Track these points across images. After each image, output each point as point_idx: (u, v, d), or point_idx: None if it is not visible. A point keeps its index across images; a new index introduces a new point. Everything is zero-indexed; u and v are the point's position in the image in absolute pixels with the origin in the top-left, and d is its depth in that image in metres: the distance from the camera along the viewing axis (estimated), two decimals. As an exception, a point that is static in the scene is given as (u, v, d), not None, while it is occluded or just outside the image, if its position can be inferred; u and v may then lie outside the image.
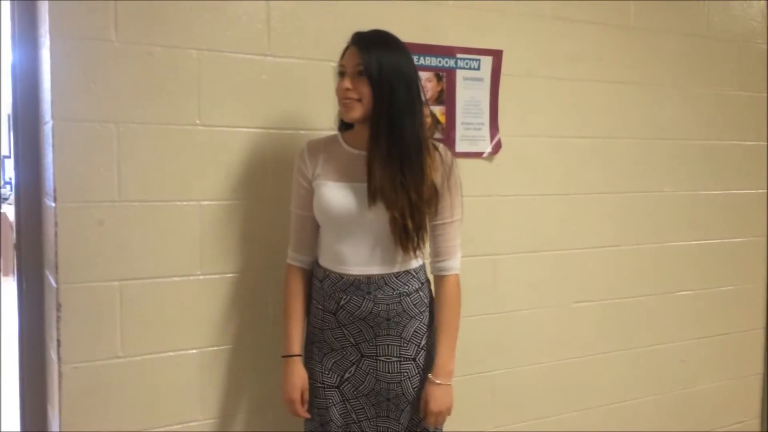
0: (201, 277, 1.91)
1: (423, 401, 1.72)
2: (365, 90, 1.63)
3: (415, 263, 1.76)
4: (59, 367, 1.76)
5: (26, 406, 2.18)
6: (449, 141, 2.24)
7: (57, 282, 1.75)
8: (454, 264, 1.77)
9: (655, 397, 2.71)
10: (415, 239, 1.67)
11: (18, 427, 2.21)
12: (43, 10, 1.80)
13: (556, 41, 2.40)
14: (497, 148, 2.32)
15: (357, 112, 1.65)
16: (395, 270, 1.72)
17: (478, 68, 2.28)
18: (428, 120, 1.90)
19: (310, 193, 1.74)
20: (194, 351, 1.91)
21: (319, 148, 1.76)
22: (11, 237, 7.15)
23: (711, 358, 2.83)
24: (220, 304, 1.93)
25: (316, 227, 1.77)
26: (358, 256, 1.70)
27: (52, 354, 1.86)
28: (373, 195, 1.64)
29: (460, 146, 2.27)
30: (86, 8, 1.73)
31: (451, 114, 2.25)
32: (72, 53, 1.73)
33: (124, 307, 1.81)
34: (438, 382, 1.71)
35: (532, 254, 2.42)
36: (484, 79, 2.30)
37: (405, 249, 1.67)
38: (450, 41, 2.22)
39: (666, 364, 2.72)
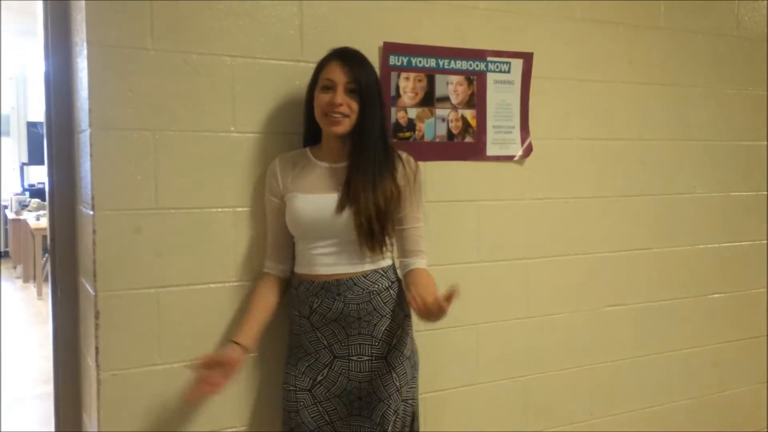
0: (236, 283, 1.91)
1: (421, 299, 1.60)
2: (355, 106, 1.73)
3: (383, 263, 1.82)
4: (97, 374, 1.76)
5: (60, 413, 2.19)
6: (480, 145, 2.23)
7: (95, 290, 1.75)
8: (423, 262, 1.83)
9: (688, 401, 2.68)
10: (381, 239, 1.76)
11: (53, 434, 2.22)
12: (79, 19, 1.81)
13: (586, 43, 2.38)
14: (528, 151, 2.31)
15: (344, 127, 1.74)
16: (364, 269, 1.78)
17: (509, 71, 2.27)
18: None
19: (279, 206, 1.83)
20: (230, 358, 1.90)
21: (288, 163, 1.84)
22: (32, 243, 7.24)
23: (744, 361, 2.79)
24: (255, 311, 1.93)
25: (286, 237, 1.85)
26: (327, 258, 1.78)
27: (90, 361, 1.87)
28: (342, 203, 1.73)
29: (491, 150, 2.26)
30: (123, 16, 1.74)
31: (481, 117, 2.24)
32: (109, 61, 1.74)
33: (161, 314, 1.82)
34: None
35: (564, 258, 2.40)
36: (515, 81, 2.28)
37: (371, 249, 1.75)
38: (480, 44, 2.21)
39: (699, 368, 2.69)
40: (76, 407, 2.16)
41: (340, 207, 1.74)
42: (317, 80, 1.78)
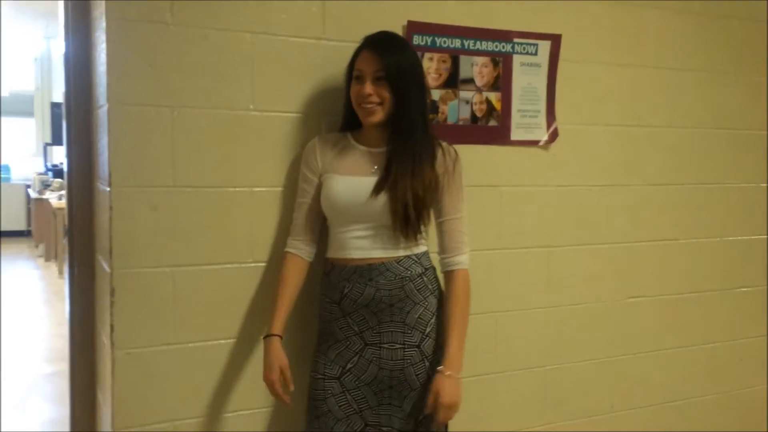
0: (252, 264, 1.88)
1: (433, 394, 1.69)
2: (386, 94, 1.70)
3: (417, 249, 1.78)
4: (112, 352, 1.75)
5: (76, 391, 2.19)
6: (504, 129, 2.18)
7: (111, 267, 1.74)
8: (462, 259, 1.79)
9: (711, 397, 2.61)
10: (417, 226, 1.72)
11: (68, 411, 2.23)
12: (99, -7, 1.79)
13: (616, 26, 2.31)
14: (554, 136, 2.25)
15: (378, 117, 1.71)
16: (396, 255, 1.75)
17: (536, 53, 2.21)
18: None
19: (314, 184, 1.80)
20: (243, 340, 1.88)
21: (329, 143, 1.82)
22: (53, 223, 7.32)
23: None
24: (270, 293, 1.90)
25: (317, 217, 1.81)
26: (360, 242, 1.74)
27: (104, 339, 1.86)
28: (379, 188, 1.70)
29: (516, 134, 2.20)
30: (142, -10, 1.71)
31: (507, 101, 2.18)
32: (128, 36, 1.71)
33: (176, 293, 1.80)
34: (448, 374, 1.70)
35: (587, 247, 2.34)
36: (542, 64, 2.22)
37: (405, 235, 1.72)
38: (507, 25, 2.15)
39: (724, 363, 2.62)
40: (92, 385, 2.16)
41: (377, 191, 1.70)
42: (352, 70, 1.75)
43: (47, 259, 8.02)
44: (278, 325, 1.75)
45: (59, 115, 9.66)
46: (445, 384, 1.70)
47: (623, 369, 2.44)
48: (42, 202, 8.26)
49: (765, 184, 2.64)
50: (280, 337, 1.74)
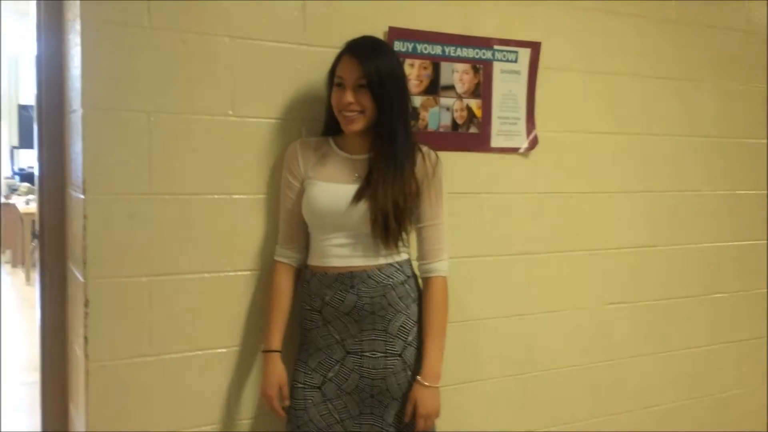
0: (231, 273, 1.84)
1: (411, 404, 1.71)
2: (368, 102, 1.66)
3: (399, 257, 1.76)
4: (86, 364, 1.70)
5: (47, 403, 2.12)
6: (485, 136, 2.17)
7: (85, 277, 1.69)
8: (440, 266, 1.78)
9: (688, 402, 2.64)
10: (397, 234, 1.70)
11: (39, 426, 2.16)
12: (73, -6, 1.74)
13: (595, 34, 2.32)
14: (533, 143, 2.25)
15: (359, 125, 1.69)
16: (378, 263, 1.72)
17: (516, 61, 2.20)
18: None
19: (298, 190, 1.76)
20: (223, 350, 1.85)
21: (310, 148, 1.79)
22: (20, 228, 7.14)
23: (745, 362, 2.75)
24: (251, 302, 1.87)
25: (302, 223, 1.78)
26: (341, 250, 1.72)
27: (78, 351, 1.80)
28: (359, 195, 1.68)
29: (496, 141, 2.20)
30: (118, -8, 1.67)
31: (487, 108, 2.17)
32: (103, 39, 1.66)
33: (153, 303, 1.75)
34: (426, 384, 1.71)
35: (567, 253, 2.35)
36: (522, 72, 2.22)
37: (386, 244, 1.70)
38: (487, 32, 2.14)
39: (700, 368, 2.65)
40: (63, 397, 2.09)
41: (357, 199, 1.68)
42: (333, 75, 1.72)
43: (14, 266, 7.83)
44: (276, 339, 1.75)
45: (27, 117, 9.45)
46: (424, 394, 1.71)
47: (602, 375, 2.45)
48: (9, 207, 8.05)
49: (740, 192, 2.68)
50: (279, 351, 1.73)
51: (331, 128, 1.79)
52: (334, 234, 1.72)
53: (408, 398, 1.72)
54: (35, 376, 2.18)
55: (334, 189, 1.72)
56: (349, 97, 1.66)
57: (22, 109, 9.58)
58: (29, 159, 9.24)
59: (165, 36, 1.72)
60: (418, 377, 1.72)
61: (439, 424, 1.83)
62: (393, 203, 1.67)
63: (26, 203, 7.19)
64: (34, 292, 4.98)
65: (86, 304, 1.68)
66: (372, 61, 1.66)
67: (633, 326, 2.50)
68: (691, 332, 2.62)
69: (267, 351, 1.76)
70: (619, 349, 2.47)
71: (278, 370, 1.74)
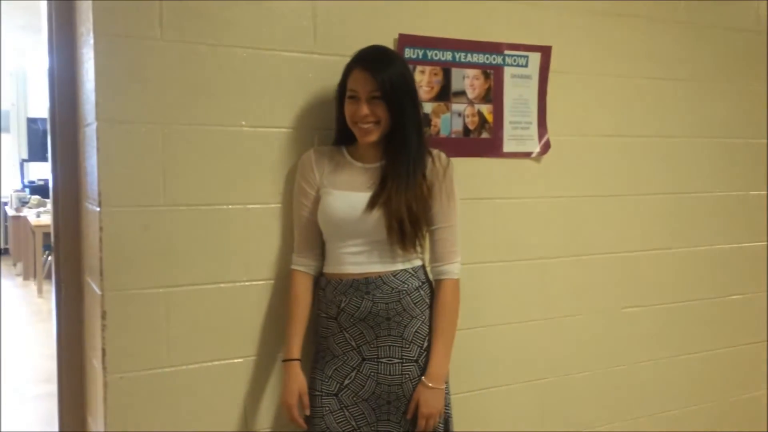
0: (246, 283, 1.84)
1: (413, 403, 1.73)
2: (382, 113, 1.69)
3: (413, 263, 1.78)
4: (104, 376, 1.70)
5: (64, 415, 2.13)
6: (497, 141, 2.17)
7: (101, 289, 1.69)
8: (452, 269, 1.79)
9: (707, 405, 2.62)
10: (413, 238, 1.72)
11: (56, 436, 2.16)
12: (85, 8, 1.75)
13: (605, 37, 2.32)
14: (546, 148, 2.25)
15: (375, 136, 1.71)
16: (393, 269, 1.73)
17: (526, 65, 2.20)
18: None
19: (312, 198, 1.78)
20: (240, 360, 1.85)
21: (325, 156, 1.80)
22: (32, 240, 7.18)
23: (763, 364, 2.73)
24: (267, 311, 1.87)
25: (318, 231, 1.80)
26: (356, 257, 1.73)
27: (95, 363, 1.81)
28: (373, 203, 1.69)
29: (508, 146, 2.19)
30: (130, 5, 1.68)
31: (498, 113, 2.17)
32: (116, 52, 1.67)
33: (169, 314, 1.75)
34: (430, 385, 1.73)
35: (582, 258, 2.34)
36: (532, 76, 2.22)
37: (403, 248, 1.72)
38: (497, 37, 2.14)
39: (718, 371, 2.63)
40: (80, 409, 2.10)
41: (371, 206, 1.69)
42: (345, 86, 1.73)
43: (26, 278, 7.86)
44: (295, 348, 1.75)
45: (36, 130, 9.52)
46: (427, 394, 1.73)
47: (619, 379, 2.43)
48: (19, 220, 8.10)
49: (754, 192, 2.66)
50: (299, 360, 1.74)
51: (343, 138, 1.81)
52: (350, 241, 1.74)
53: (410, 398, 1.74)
54: (47, 388, 2.19)
55: (349, 197, 1.73)
56: (365, 109, 1.68)
57: (32, 122, 9.64)
58: (39, 172, 9.30)
59: (177, 48, 1.73)
60: (423, 378, 1.73)
61: (457, 429, 1.82)
62: (407, 208, 1.69)
63: (37, 216, 7.22)
64: (46, 304, 4.99)
65: (103, 316, 1.69)
66: (384, 73, 1.68)
67: (649, 330, 2.48)
68: (709, 334, 2.60)
69: (287, 360, 1.76)
70: (636, 353, 2.46)
71: (299, 379, 1.74)
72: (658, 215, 2.47)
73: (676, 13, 2.45)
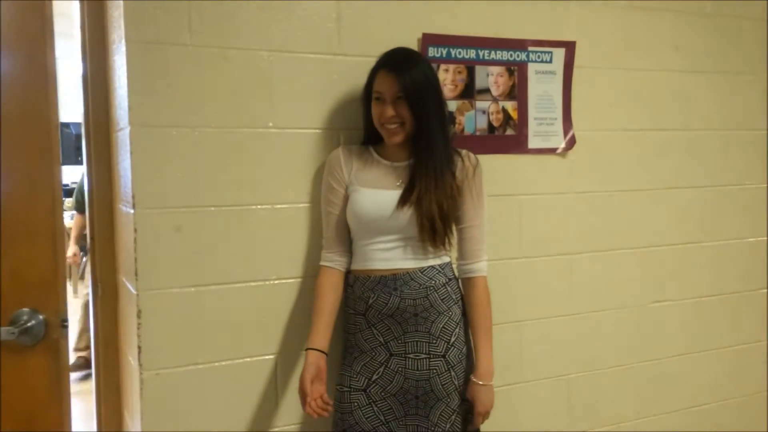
0: (276, 281, 1.88)
1: (469, 403, 1.79)
2: (406, 114, 1.72)
3: (440, 260, 1.80)
4: (140, 373, 1.75)
5: (102, 412, 2.19)
6: (522, 137, 2.18)
7: (136, 288, 1.74)
8: (481, 266, 1.83)
9: (737, 400, 2.59)
10: (443, 236, 1.75)
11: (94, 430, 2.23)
12: (117, 16, 1.80)
13: (630, 31, 2.31)
14: (571, 143, 2.25)
15: (401, 136, 1.75)
16: (421, 265, 1.77)
17: (551, 61, 2.20)
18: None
19: (340, 195, 1.81)
20: (271, 356, 1.89)
21: (353, 154, 1.84)
22: (66, 242, 7.33)
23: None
24: (295, 309, 1.90)
25: (346, 228, 1.82)
26: (384, 254, 1.77)
27: (131, 360, 1.86)
28: (404, 201, 1.73)
29: (533, 142, 2.20)
30: (160, 12, 1.72)
31: (523, 109, 2.18)
32: (147, 58, 1.72)
33: (202, 312, 1.80)
34: (481, 383, 1.78)
35: (609, 253, 2.33)
36: (557, 72, 2.22)
37: (434, 245, 1.75)
38: (521, 34, 2.15)
39: (749, 366, 2.60)
40: (117, 406, 2.16)
41: (401, 204, 1.73)
42: (371, 88, 1.77)
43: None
44: (317, 337, 1.75)
45: (68, 135, 9.72)
46: (480, 392, 1.78)
47: (649, 374, 2.42)
48: (54, 222, 8.26)
49: (785, 184, 2.63)
50: (318, 350, 1.73)
51: (372, 138, 1.84)
52: (378, 238, 1.77)
53: (465, 398, 1.79)
54: (79, 386, 2.24)
55: (378, 195, 1.77)
56: (390, 111, 1.72)
57: (64, 126, 9.85)
58: (71, 175, 9.49)
59: (206, 53, 1.77)
60: (473, 377, 1.78)
61: (485, 426, 1.84)
62: (438, 207, 1.72)
63: (70, 218, 7.36)
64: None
65: (139, 315, 1.74)
66: (407, 74, 1.71)
67: (679, 324, 2.46)
68: (740, 329, 2.57)
69: (306, 349, 1.75)
70: (665, 348, 2.45)
71: (312, 368, 1.69)
72: (686, 209, 2.45)
73: (703, 5, 2.43)
